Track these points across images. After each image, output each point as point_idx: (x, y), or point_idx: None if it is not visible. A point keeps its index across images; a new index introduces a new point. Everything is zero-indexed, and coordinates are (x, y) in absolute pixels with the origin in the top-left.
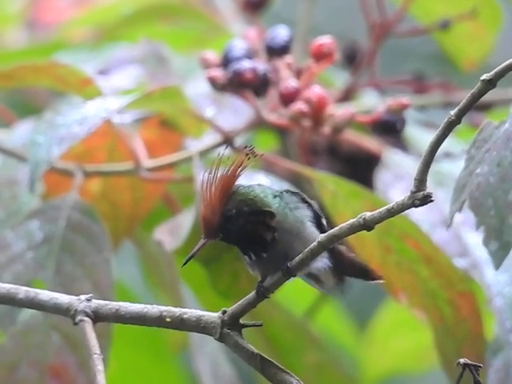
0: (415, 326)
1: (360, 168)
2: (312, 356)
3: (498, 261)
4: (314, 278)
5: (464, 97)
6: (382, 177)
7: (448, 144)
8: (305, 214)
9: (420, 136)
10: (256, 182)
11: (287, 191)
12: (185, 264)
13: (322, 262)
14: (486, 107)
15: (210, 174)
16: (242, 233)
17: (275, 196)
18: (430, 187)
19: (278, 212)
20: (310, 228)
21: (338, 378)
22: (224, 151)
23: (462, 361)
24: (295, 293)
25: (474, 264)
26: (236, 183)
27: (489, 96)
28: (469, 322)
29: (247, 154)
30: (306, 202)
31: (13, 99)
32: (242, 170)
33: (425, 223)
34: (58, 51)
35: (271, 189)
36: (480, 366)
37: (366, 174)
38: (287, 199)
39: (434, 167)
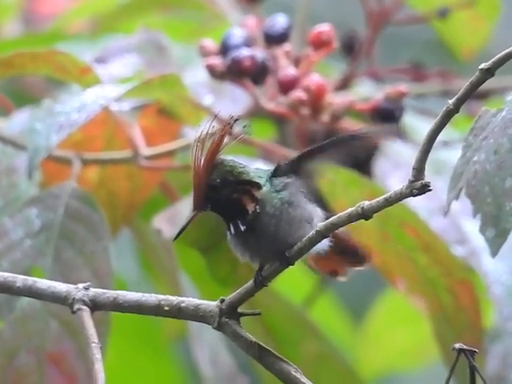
0: (411, 320)
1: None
2: (311, 346)
3: (494, 248)
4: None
5: (462, 85)
6: (380, 165)
7: (444, 133)
8: (294, 193)
9: (418, 124)
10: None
11: (276, 173)
12: (176, 238)
13: (322, 244)
14: (483, 96)
15: (197, 147)
16: (227, 202)
17: (266, 180)
18: (428, 175)
19: (264, 194)
20: (302, 207)
21: (337, 368)
22: (211, 125)
23: (457, 346)
24: (292, 285)
25: (472, 251)
26: (222, 154)
27: (485, 85)
28: (468, 310)
29: (230, 124)
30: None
31: (9, 89)
32: (225, 140)
33: (423, 210)
34: (55, 42)
35: (264, 172)
36: (476, 351)
37: (364, 162)
38: (275, 182)
39: (431, 155)
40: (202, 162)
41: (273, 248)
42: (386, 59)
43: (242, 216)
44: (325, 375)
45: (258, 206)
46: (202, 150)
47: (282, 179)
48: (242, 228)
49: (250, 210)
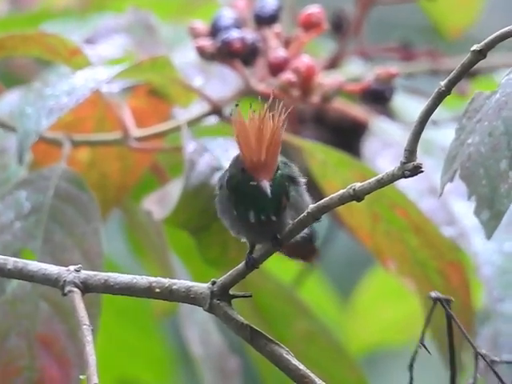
0: (398, 295)
1: (347, 136)
2: (301, 324)
3: (489, 230)
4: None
5: (451, 64)
6: (369, 145)
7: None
8: (302, 184)
9: (406, 104)
10: None
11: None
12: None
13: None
14: (472, 74)
15: (260, 117)
16: (279, 190)
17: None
18: (418, 155)
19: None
20: (306, 201)
21: (327, 345)
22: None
23: (433, 295)
24: (281, 264)
25: (462, 232)
26: None
27: None
28: (458, 292)
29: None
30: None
31: None
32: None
33: (412, 191)
34: (43, 21)
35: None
36: (451, 300)
37: (353, 142)
38: (292, 170)
39: (421, 135)
40: (273, 139)
41: (270, 232)
42: (374, 41)
43: (278, 208)
44: (315, 353)
45: (288, 201)
46: (267, 125)
47: (296, 171)
48: (274, 218)
49: (284, 205)
